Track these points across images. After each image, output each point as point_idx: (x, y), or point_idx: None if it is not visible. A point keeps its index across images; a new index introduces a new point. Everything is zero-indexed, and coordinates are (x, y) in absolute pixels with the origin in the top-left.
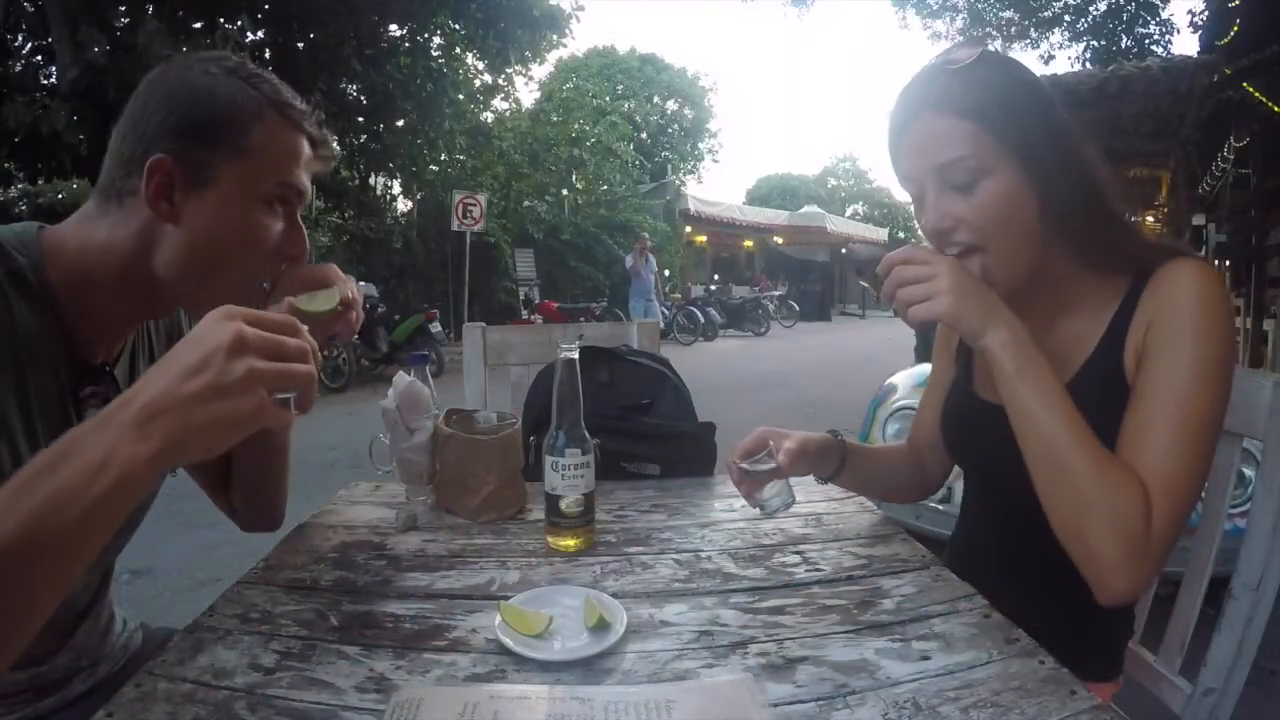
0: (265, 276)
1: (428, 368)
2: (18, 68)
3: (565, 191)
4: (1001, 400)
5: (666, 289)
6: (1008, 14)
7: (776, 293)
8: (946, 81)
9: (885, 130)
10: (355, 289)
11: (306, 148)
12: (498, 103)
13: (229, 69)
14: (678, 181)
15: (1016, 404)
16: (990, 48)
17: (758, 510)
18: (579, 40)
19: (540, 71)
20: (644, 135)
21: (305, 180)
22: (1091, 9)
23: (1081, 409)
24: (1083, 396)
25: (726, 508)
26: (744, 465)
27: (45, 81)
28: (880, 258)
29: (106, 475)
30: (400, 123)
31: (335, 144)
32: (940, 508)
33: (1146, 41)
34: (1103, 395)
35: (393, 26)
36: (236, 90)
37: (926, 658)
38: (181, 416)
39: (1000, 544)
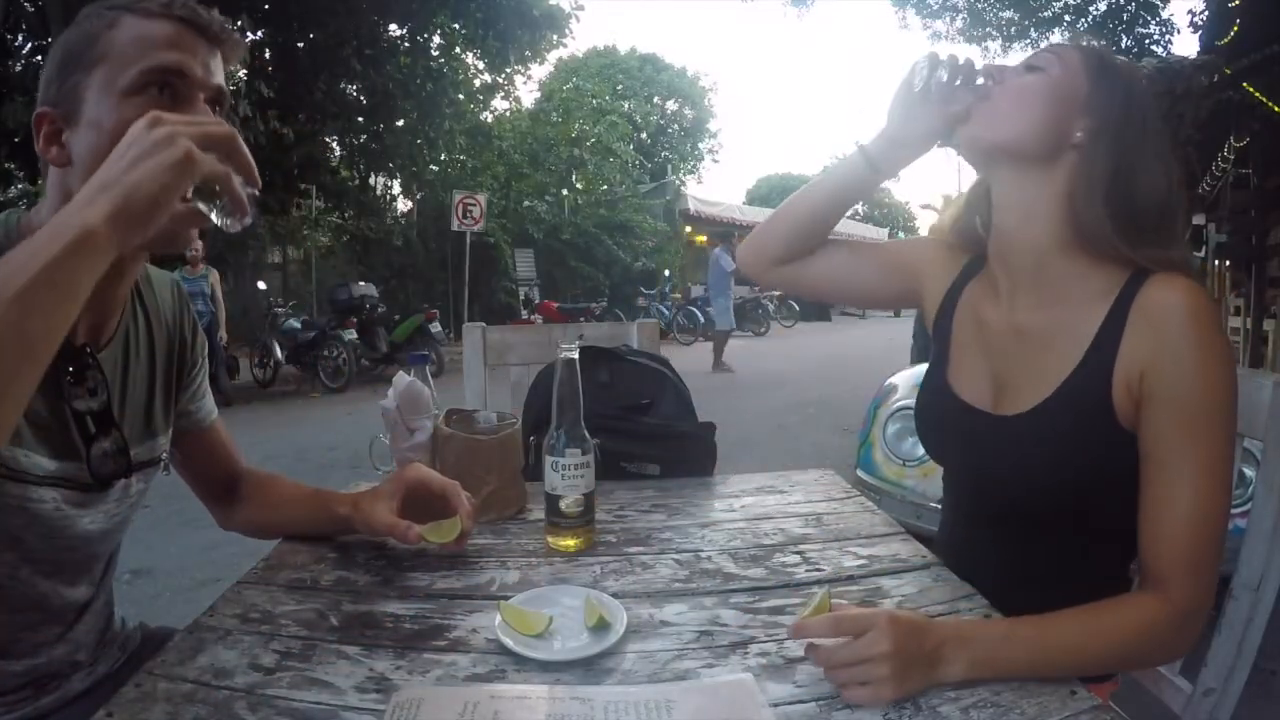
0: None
1: (428, 368)
2: (18, 68)
3: (565, 191)
4: (976, 401)
5: (667, 289)
6: (1008, 14)
7: (777, 292)
8: (1085, 39)
9: None
10: (469, 511)
11: (180, 33)
12: (498, 103)
13: (91, 12)
14: (678, 181)
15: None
16: (987, 48)
17: (925, 74)
18: (579, 40)
19: (540, 71)
20: (644, 135)
21: (188, 62)
22: (1091, 9)
23: (1056, 424)
24: (1058, 413)
25: (726, 508)
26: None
27: None
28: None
29: (64, 236)
30: (400, 123)
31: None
32: (940, 508)
33: (1147, 41)
34: (1082, 417)
35: (393, 26)
36: (92, 15)
37: None
38: (122, 184)
39: (985, 542)
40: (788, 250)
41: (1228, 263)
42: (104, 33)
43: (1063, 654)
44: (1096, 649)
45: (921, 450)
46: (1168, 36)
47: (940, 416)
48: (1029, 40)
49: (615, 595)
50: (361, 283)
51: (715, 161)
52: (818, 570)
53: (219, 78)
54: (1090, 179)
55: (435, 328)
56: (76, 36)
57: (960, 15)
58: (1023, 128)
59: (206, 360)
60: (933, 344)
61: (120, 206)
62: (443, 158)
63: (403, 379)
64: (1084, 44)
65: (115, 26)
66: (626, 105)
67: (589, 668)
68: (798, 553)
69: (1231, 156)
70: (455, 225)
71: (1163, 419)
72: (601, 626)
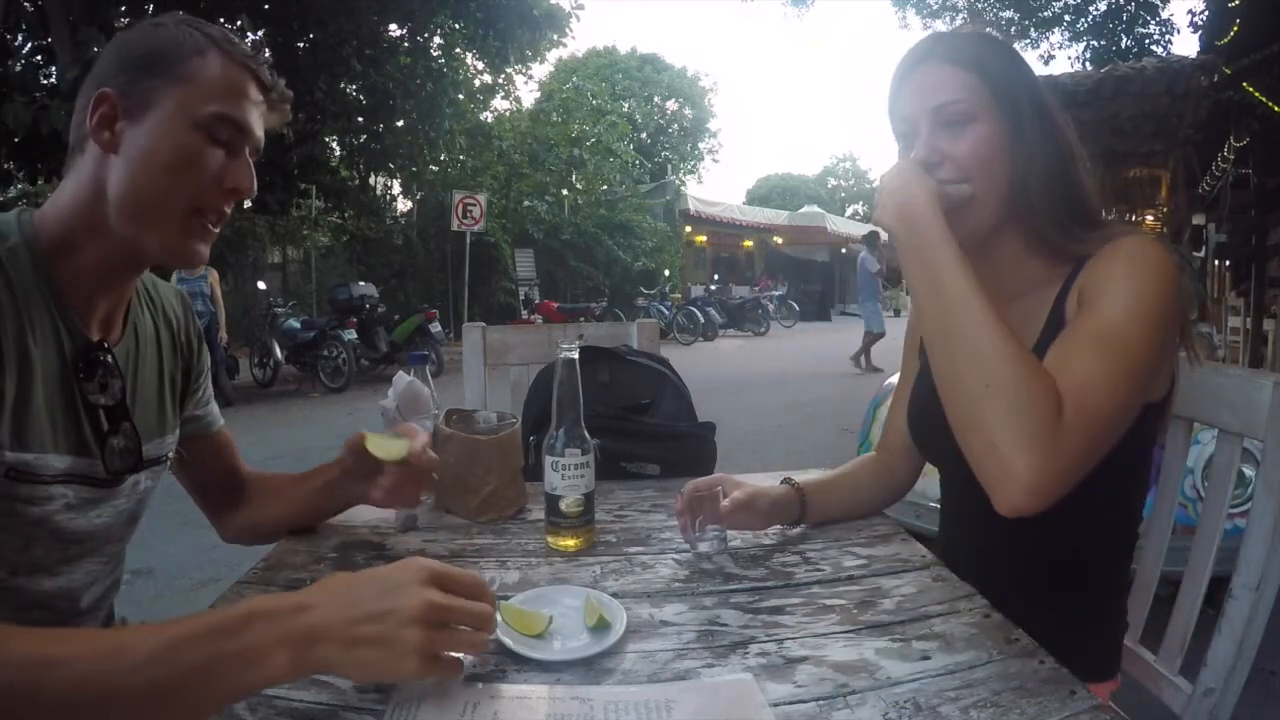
0: (210, 211)
1: (428, 368)
2: (18, 68)
3: (565, 191)
4: None
5: (667, 289)
6: (1008, 14)
7: (776, 293)
8: (951, 39)
9: (890, 79)
10: (424, 446)
11: (253, 89)
12: (498, 102)
13: (179, 21)
14: (678, 181)
15: (919, 271)
16: None
17: (689, 547)
18: (579, 41)
19: (540, 71)
20: (644, 135)
21: (251, 119)
22: (1091, 9)
23: None
24: None
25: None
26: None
27: (45, 81)
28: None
29: (254, 671)
30: (400, 123)
31: (289, 92)
32: (940, 508)
33: (1147, 41)
34: None
35: (393, 26)
36: (182, 32)
37: (926, 658)
38: (341, 651)
39: (983, 542)
40: (891, 498)
41: (1228, 263)
42: (194, 56)
43: (967, 289)
44: (995, 330)
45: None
46: (1168, 36)
47: (934, 415)
48: (1029, 40)
49: (615, 595)
50: (361, 283)
51: (715, 161)
52: (818, 570)
53: (262, 135)
54: (1028, 177)
55: (435, 328)
56: (165, 42)
57: (960, 15)
58: (993, 201)
59: (209, 372)
60: (918, 361)
61: (323, 668)
62: (443, 158)
63: (403, 379)
64: (955, 49)
65: (205, 55)
66: (626, 105)
67: (589, 668)
68: (797, 553)
69: (1231, 156)
70: (455, 225)
71: (1084, 306)
72: (601, 626)
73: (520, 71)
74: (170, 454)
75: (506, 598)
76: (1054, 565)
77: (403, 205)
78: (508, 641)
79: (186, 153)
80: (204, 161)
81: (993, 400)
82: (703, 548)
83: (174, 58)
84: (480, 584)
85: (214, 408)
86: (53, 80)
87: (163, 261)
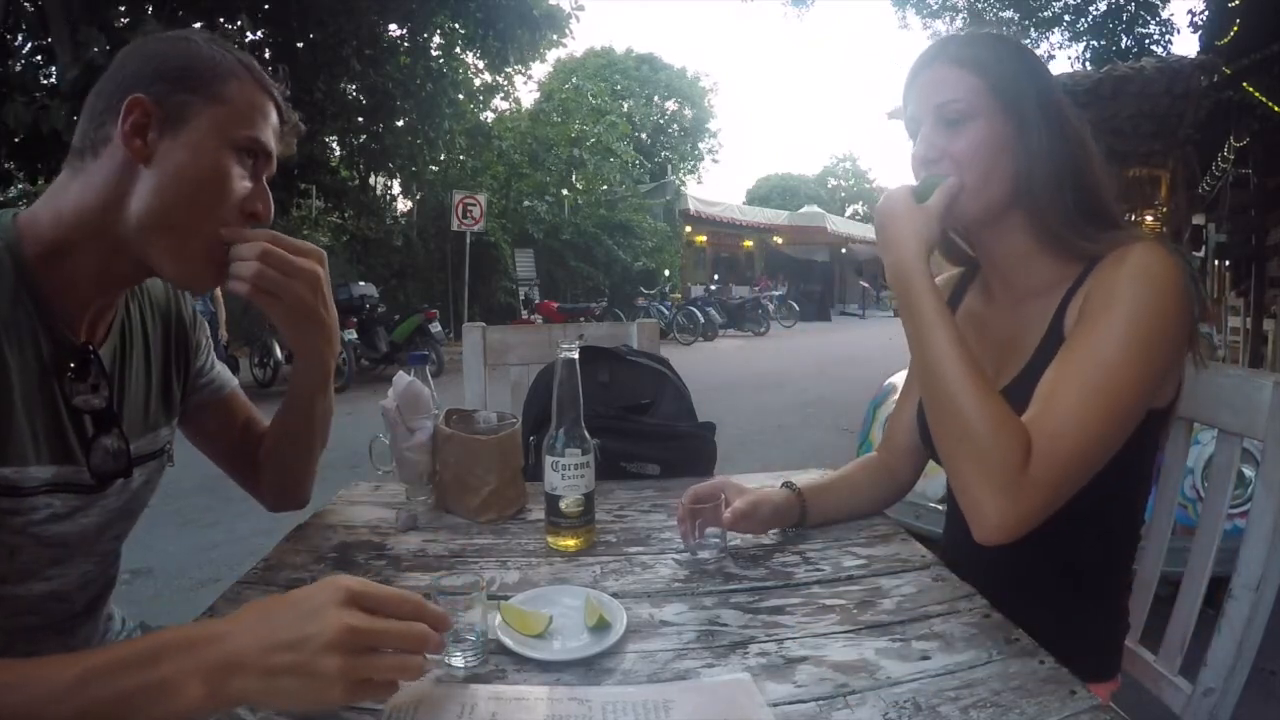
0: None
1: (428, 368)
2: (18, 68)
3: (565, 191)
4: None
5: (667, 289)
6: (1008, 14)
7: (776, 293)
8: (958, 42)
9: (904, 80)
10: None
11: (274, 116)
12: (498, 102)
13: (208, 39)
14: (678, 181)
15: (909, 326)
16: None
17: (689, 553)
18: (578, 42)
19: (540, 71)
20: (643, 135)
21: (273, 144)
22: (1091, 9)
23: (1032, 387)
24: (1034, 377)
25: None
26: (693, 508)
27: (45, 81)
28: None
29: (167, 704)
30: (400, 123)
31: (303, 123)
32: (940, 508)
33: (1147, 41)
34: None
35: (392, 26)
36: (216, 51)
37: (926, 658)
38: (259, 680)
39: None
40: (893, 499)
41: (1228, 263)
42: (231, 78)
43: (952, 347)
44: (973, 385)
45: None
46: (1168, 36)
47: None
48: (1029, 40)
49: (615, 595)
50: (361, 283)
51: (715, 161)
52: (818, 570)
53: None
54: (1036, 174)
55: (435, 328)
56: (203, 59)
57: (960, 15)
58: (986, 196)
59: (210, 339)
60: None
61: (241, 698)
62: (443, 158)
63: (403, 379)
64: (961, 51)
65: (239, 79)
66: (625, 106)
67: (589, 668)
68: (797, 553)
69: (1231, 156)
70: (455, 225)
71: (1081, 323)
72: (601, 626)
73: (520, 72)
74: (167, 446)
75: (506, 598)
76: (1055, 566)
77: (403, 205)
78: (508, 642)
79: (220, 173)
80: (231, 184)
81: (963, 448)
82: (703, 554)
83: (211, 77)
84: (414, 602)
85: (221, 372)
86: (53, 80)
87: (173, 283)
